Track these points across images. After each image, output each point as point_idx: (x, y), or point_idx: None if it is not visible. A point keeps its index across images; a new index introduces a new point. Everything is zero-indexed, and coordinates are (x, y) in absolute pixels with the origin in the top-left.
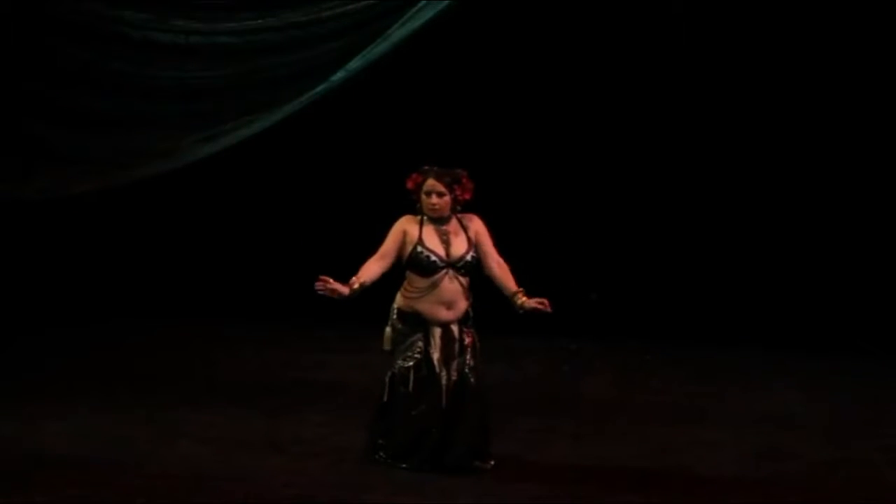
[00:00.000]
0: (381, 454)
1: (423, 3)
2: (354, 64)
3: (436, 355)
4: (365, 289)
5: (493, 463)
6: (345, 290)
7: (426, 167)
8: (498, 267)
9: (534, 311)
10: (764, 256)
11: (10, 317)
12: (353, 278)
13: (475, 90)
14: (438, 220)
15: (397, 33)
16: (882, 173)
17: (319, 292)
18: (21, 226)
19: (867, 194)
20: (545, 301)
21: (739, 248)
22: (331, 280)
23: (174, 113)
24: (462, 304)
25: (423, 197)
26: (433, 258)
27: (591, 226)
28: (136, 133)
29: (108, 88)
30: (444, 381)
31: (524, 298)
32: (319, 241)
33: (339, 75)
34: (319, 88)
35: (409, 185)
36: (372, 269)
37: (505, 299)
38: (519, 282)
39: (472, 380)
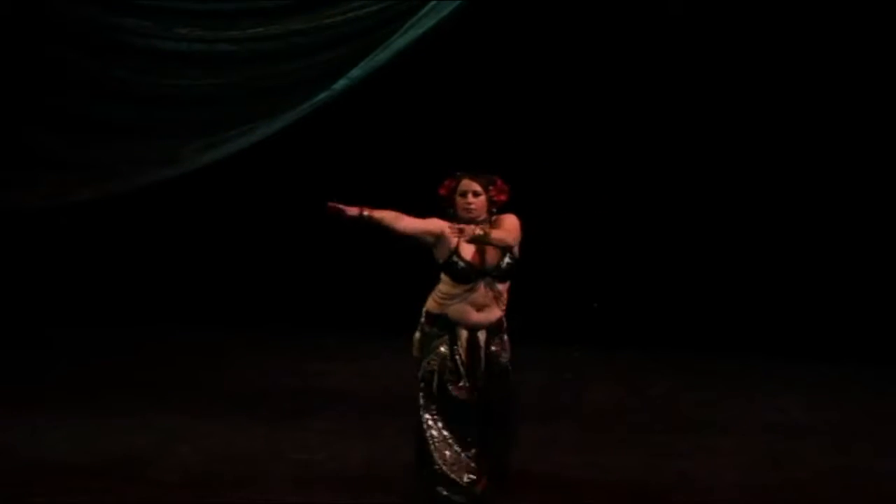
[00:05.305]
0: (440, 488)
1: (424, 11)
2: (356, 72)
3: (459, 360)
4: (369, 224)
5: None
6: (354, 210)
7: (458, 173)
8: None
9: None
10: (767, 264)
11: (11, 324)
12: (367, 209)
13: (475, 99)
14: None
15: (399, 41)
16: (885, 178)
17: (330, 213)
18: (22, 232)
19: (869, 200)
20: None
21: (742, 256)
22: (339, 204)
23: (175, 120)
24: (495, 311)
25: (458, 199)
26: (465, 266)
27: (592, 234)
28: (138, 140)
29: (109, 96)
30: (464, 384)
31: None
32: (320, 249)
33: (341, 83)
34: (321, 96)
35: (443, 191)
36: (387, 214)
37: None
38: (523, 289)
39: (492, 398)
